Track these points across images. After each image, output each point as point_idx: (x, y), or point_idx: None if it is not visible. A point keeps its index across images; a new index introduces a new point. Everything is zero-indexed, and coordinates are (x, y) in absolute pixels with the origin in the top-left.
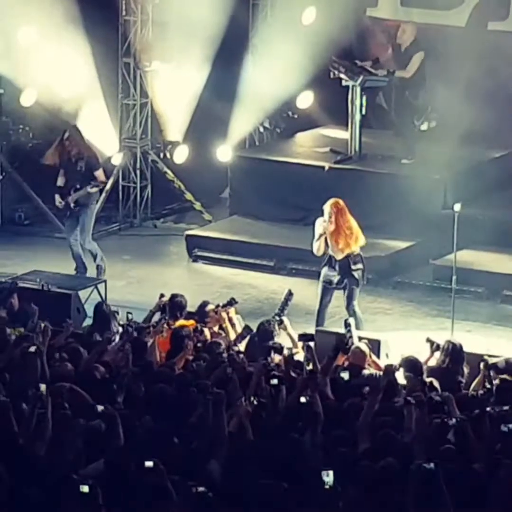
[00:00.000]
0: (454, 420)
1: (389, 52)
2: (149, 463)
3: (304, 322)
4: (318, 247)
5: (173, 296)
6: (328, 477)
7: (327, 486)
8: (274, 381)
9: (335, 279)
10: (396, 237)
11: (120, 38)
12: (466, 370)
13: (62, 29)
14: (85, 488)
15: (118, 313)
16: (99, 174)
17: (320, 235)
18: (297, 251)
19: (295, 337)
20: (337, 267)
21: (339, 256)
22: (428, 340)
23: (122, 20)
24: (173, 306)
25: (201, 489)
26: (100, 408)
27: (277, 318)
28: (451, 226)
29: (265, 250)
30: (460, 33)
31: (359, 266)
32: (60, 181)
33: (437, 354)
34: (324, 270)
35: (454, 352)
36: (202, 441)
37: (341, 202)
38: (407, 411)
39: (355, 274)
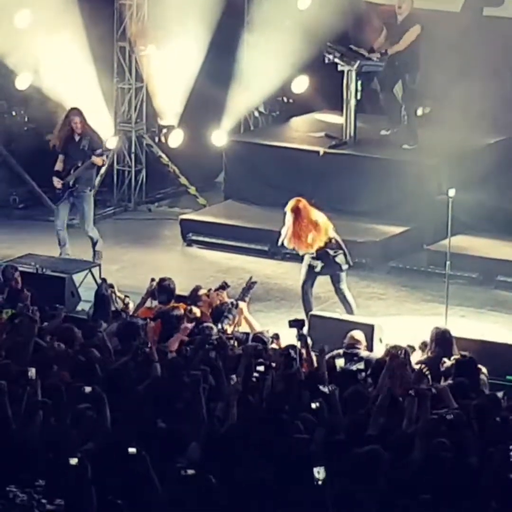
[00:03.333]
0: (451, 415)
1: (383, 36)
2: (132, 450)
3: (298, 307)
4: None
5: (161, 280)
6: (319, 474)
7: (319, 483)
8: (260, 368)
9: (319, 266)
10: (391, 222)
11: (116, 22)
12: (456, 354)
13: (58, 13)
14: (74, 461)
15: (112, 286)
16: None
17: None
18: None
19: (254, 323)
20: (318, 257)
21: (311, 250)
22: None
23: (117, 4)
24: (161, 290)
25: (190, 471)
26: (87, 389)
27: (234, 302)
28: (445, 211)
29: (259, 235)
30: (455, 19)
31: (339, 251)
32: (59, 166)
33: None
34: (307, 256)
35: (437, 337)
36: (185, 424)
37: (293, 205)
38: (408, 402)
39: (337, 259)
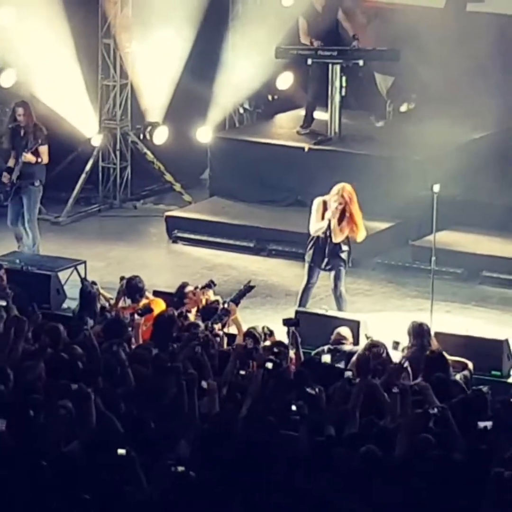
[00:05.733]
0: (435, 409)
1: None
2: (121, 451)
3: (284, 304)
4: (318, 229)
5: (129, 279)
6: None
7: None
8: (269, 365)
9: (323, 261)
10: (376, 218)
11: (100, 19)
12: (434, 344)
13: (42, 10)
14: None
15: (95, 284)
16: (43, 150)
17: (328, 220)
18: (277, 232)
19: (242, 325)
20: (326, 250)
21: (337, 240)
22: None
23: (102, 0)
24: (130, 289)
25: (180, 468)
26: (74, 386)
27: (226, 305)
28: (430, 207)
29: (245, 231)
30: (439, 14)
31: (346, 248)
32: (11, 162)
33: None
34: (311, 252)
35: (414, 330)
36: (174, 422)
37: (349, 188)
38: (391, 399)
39: (342, 255)
